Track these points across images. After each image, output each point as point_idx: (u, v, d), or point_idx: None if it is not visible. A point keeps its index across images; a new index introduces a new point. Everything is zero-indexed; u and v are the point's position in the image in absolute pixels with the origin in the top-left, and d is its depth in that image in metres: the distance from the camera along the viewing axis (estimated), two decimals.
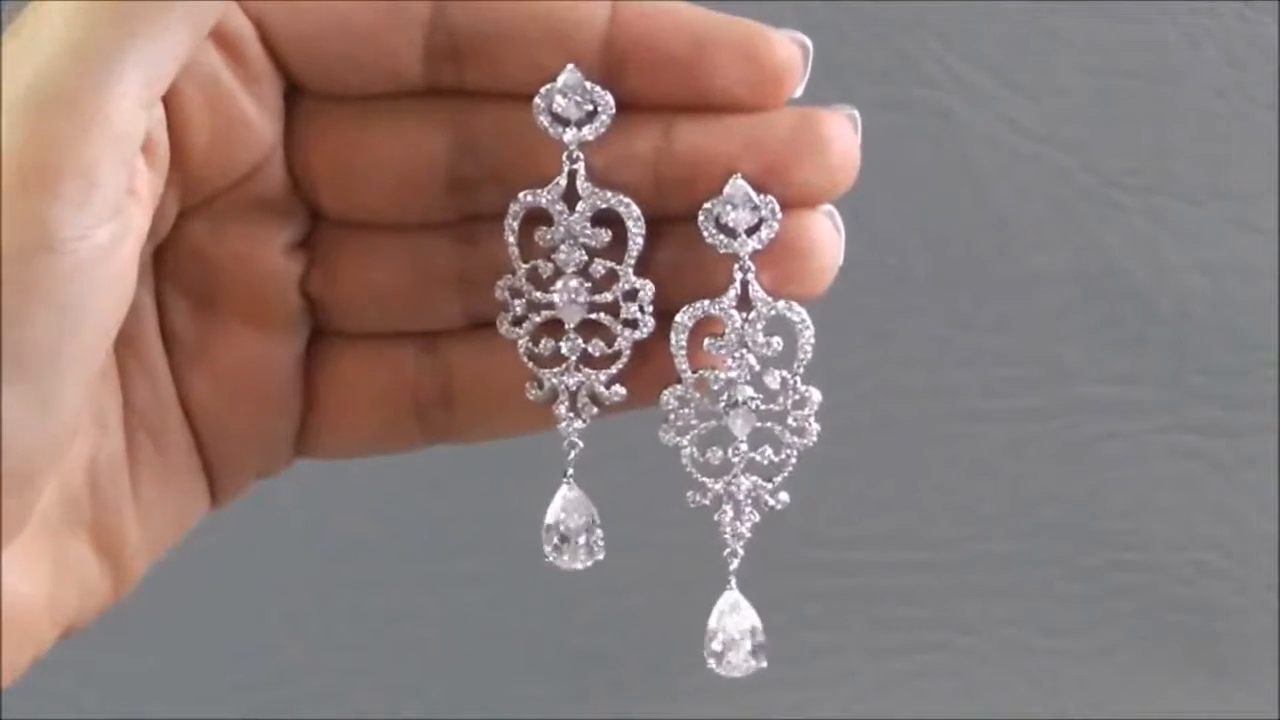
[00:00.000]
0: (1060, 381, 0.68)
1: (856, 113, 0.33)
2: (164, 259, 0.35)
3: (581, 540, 0.35)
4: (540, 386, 0.35)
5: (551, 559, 0.35)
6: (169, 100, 0.32)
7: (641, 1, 0.33)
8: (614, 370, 0.35)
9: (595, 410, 0.35)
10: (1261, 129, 0.65)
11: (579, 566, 0.36)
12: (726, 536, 0.35)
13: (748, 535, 0.35)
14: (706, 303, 0.34)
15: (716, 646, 0.35)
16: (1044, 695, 0.70)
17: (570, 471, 0.35)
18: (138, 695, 0.68)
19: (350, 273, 0.36)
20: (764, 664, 0.35)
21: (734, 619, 0.35)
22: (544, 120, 0.33)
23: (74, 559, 0.34)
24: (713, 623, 0.35)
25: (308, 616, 0.68)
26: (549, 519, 0.35)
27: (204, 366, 0.35)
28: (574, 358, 0.35)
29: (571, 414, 0.35)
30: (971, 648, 0.70)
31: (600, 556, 0.36)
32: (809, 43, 0.33)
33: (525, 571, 0.65)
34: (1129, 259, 0.66)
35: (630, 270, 0.34)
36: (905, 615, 0.69)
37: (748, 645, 0.35)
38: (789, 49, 0.33)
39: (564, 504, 0.35)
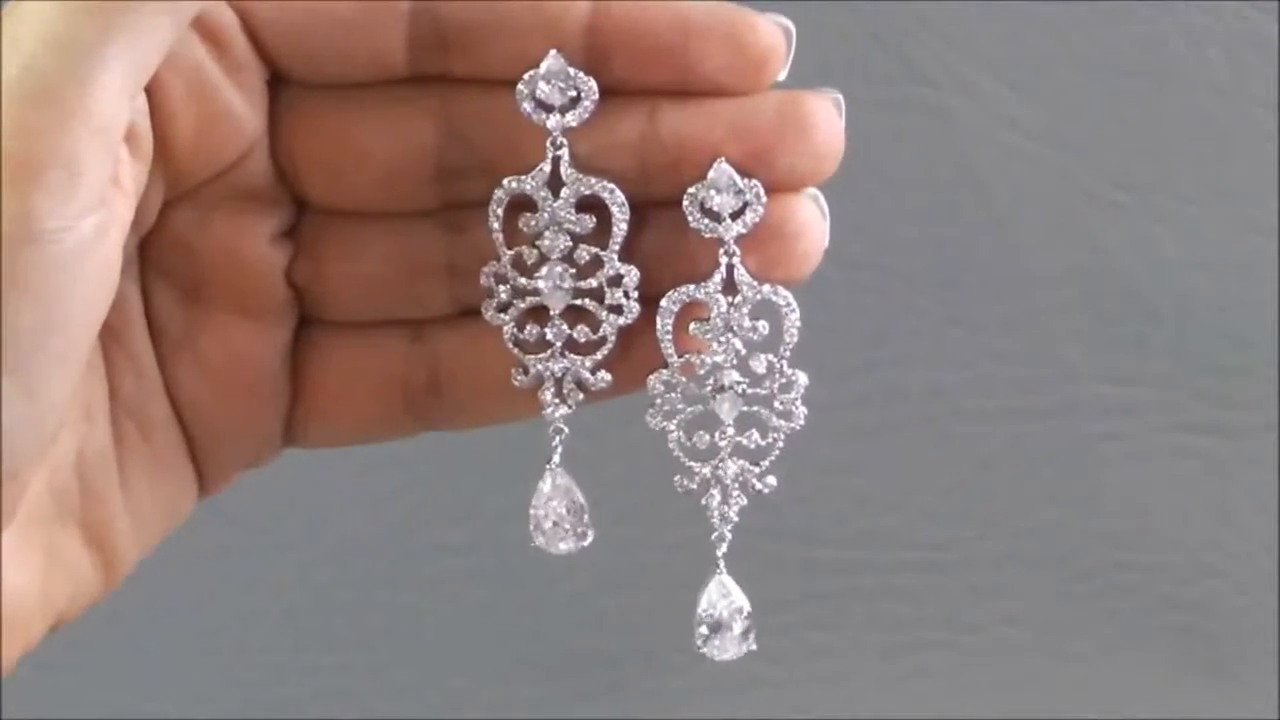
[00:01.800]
0: (1060, 381, 0.67)
1: (840, 95, 0.33)
2: (149, 250, 0.35)
3: (568, 525, 0.35)
4: (525, 372, 0.35)
5: (539, 543, 0.35)
6: (152, 91, 0.32)
7: None
8: (599, 356, 0.35)
9: (581, 396, 0.35)
10: (1261, 129, 0.65)
11: (567, 549, 0.35)
12: (714, 520, 0.35)
13: (735, 519, 0.35)
14: (692, 287, 0.34)
15: (705, 630, 0.35)
16: (1044, 695, 0.69)
17: (556, 458, 0.35)
18: (138, 695, 0.68)
19: (336, 261, 0.36)
20: (754, 646, 0.35)
21: (723, 602, 0.35)
22: (527, 106, 0.33)
23: (65, 551, 0.34)
24: (702, 606, 0.35)
25: (308, 616, 0.68)
26: (534, 504, 0.35)
27: (190, 357, 0.35)
28: (559, 344, 0.35)
29: (557, 400, 0.35)
30: (971, 648, 0.69)
31: (588, 541, 0.35)
32: (792, 26, 0.33)
33: (524, 570, 0.66)
34: (1129, 259, 0.66)
35: (615, 256, 0.34)
36: (905, 615, 0.69)
37: (737, 628, 0.35)
38: (773, 33, 0.33)
39: (549, 490, 0.35)
